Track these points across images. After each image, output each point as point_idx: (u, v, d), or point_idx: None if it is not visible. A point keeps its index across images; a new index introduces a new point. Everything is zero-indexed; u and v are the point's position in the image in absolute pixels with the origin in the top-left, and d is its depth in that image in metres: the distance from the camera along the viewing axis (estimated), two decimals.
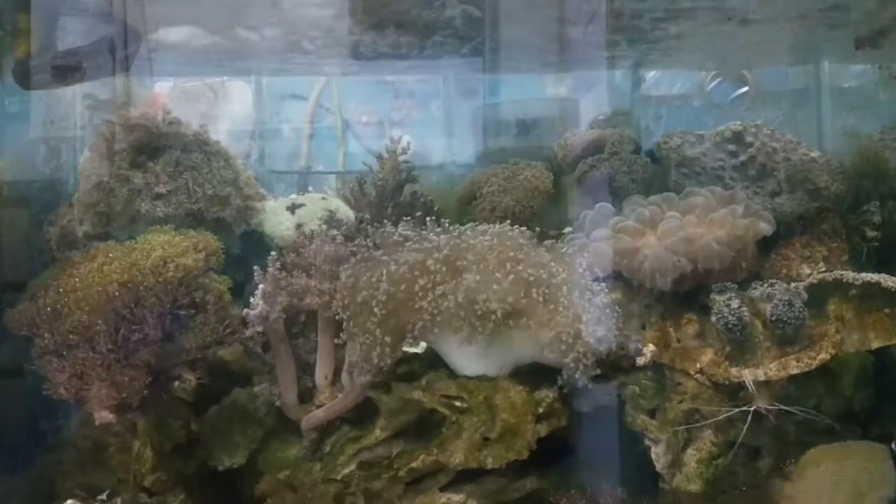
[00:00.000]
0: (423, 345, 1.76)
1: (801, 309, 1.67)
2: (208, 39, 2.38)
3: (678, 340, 1.79)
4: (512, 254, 1.63)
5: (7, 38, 1.92)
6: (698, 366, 1.72)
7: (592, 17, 2.21)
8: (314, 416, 1.72)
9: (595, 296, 1.68)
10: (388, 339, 1.60)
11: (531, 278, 1.61)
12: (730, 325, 1.68)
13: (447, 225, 1.74)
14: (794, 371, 1.63)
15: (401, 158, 2.08)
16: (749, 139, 2.01)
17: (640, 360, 1.74)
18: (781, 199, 1.96)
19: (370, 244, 1.72)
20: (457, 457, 1.62)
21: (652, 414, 1.75)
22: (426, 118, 3.13)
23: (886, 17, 2.27)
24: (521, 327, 1.61)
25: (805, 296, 1.70)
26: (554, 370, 1.64)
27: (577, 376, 1.60)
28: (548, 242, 1.76)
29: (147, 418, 1.68)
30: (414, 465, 1.64)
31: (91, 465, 1.73)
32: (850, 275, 1.72)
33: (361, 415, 1.72)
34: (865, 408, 1.79)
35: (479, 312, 1.57)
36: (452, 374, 1.70)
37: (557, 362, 1.62)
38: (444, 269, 1.61)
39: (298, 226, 2.08)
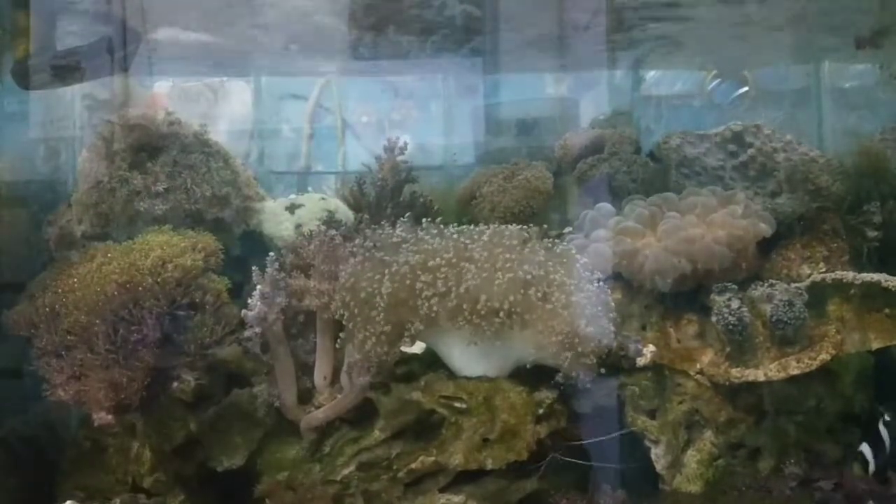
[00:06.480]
0: (422, 345, 1.75)
1: (802, 309, 1.67)
2: (208, 39, 2.38)
3: (678, 341, 1.78)
4: (509, 254, 1.63)
5: (6, 38, 1.92)
6: (698, 366, 1.72)
7: (593, 17, 2.21)
8: (313, 417, 1.72)
9: (594, 295, 1.68)
10: (387, 333, 1.59)
11: (529, 277, 1.60)
12: (730, 326, 1.67)
13: (444, 225, 1.73)
14: (795, 372, 1.63)
15: (400, 159, 2.07)
16: (749, 139, 2.00)
17: (641, 361, 1.73)
18: (782, 200, 1.95)
19: (370, 245, 1.71)
20: (456, 458, 1.61)
21: (652, 415, 1.75)
22: (426, 118, 3.13)
23: (887, 16, 2.27)
24: (520, 327, 1.61)
25: (805, 296, 1.70)
26: (554, 371, 1.64)
27: (577, 375, 1.59)
28: (547, 242, 1.76)
29: (146, 419, 1.68)
30: (413, 465, 1.63)
31: (90, 466, 1.72)
32: (850, 275, 1.72)
33: (361, 416, 1.71)
34: (866, 408, 1.78)
35: (482, 312, 1.57)
36: (452, 374, 1.69)
37: (557, 363, 1.62)
38: (444, 268, 1.60)
39: (297, 226, 2.08)
